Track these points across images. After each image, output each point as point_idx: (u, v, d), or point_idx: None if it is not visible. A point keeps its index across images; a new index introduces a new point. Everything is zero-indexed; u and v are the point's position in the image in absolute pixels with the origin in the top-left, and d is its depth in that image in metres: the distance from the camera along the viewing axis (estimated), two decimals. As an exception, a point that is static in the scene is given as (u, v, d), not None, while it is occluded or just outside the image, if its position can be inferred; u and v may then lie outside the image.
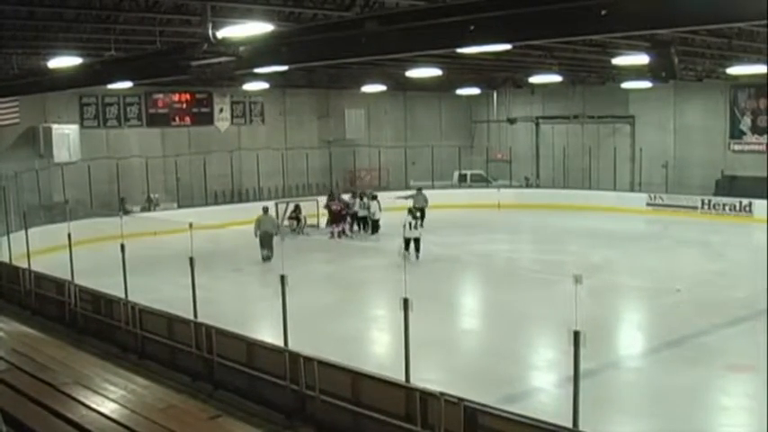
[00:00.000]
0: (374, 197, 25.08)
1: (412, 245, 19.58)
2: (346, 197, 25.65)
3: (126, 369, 11.06)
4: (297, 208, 25.35)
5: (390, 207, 25.01)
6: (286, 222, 24.97)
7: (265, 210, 21.17)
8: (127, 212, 23.86)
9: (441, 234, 23.63)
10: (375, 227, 24.61)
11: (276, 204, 25.40)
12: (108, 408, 8.79)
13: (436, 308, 13.75)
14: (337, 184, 30.74)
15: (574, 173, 31.09)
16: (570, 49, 18.22)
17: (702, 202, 27.19)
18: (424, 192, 26.10)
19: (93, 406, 8.80)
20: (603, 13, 7.39)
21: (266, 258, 19.55)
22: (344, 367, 8.90)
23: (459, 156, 33.40)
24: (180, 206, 26.05)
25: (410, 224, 19.83)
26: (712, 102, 28.13)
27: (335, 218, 24.54)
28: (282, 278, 9.23)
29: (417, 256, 19.56)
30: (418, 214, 21.85)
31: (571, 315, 6.63)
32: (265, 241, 19.70)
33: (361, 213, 24.90)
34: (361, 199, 25.18)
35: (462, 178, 32.96)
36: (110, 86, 22.13)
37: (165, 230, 19.87)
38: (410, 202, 24.11)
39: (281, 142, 30.49)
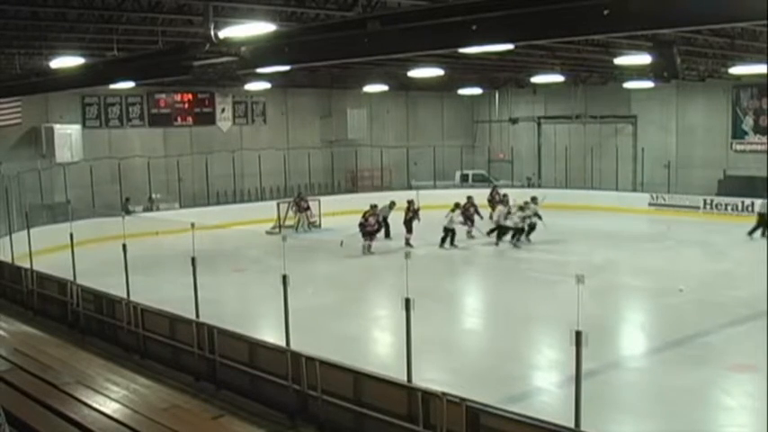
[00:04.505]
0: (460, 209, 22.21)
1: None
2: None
3: (128, 369, 11.06)
4: (299, 196, 25.01)
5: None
6: (291, 215, 24.82)
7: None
8: (129, 212, 23.90)
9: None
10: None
11: (278, 204, 25.45)
12: (110, 408, 8.79)
13: (438, 307, 13.77)
14: (339, 183, 30.82)
15: (576, 173, 31.05)
16: (572, 49, 18.23)
17: (704, 202, 27.14)
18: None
19: (96, 406, 8.80)
20: (606, 12, 7.37)
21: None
22: (346, 367, 8.90)
23: (461, 156, 33.39)
24: (182, 206, 26.07)
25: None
26: (715, 102, 28.07)
27: (369, 232, 21.69)
28: (284, 278, 9.22)
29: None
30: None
31: (573, 315, 6.62)
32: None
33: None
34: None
35: (464, 178, 32.95)
36: (112, 86, 22.17)
37: (167, 230, 19.87)
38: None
39: (283, 142, 30.46)
